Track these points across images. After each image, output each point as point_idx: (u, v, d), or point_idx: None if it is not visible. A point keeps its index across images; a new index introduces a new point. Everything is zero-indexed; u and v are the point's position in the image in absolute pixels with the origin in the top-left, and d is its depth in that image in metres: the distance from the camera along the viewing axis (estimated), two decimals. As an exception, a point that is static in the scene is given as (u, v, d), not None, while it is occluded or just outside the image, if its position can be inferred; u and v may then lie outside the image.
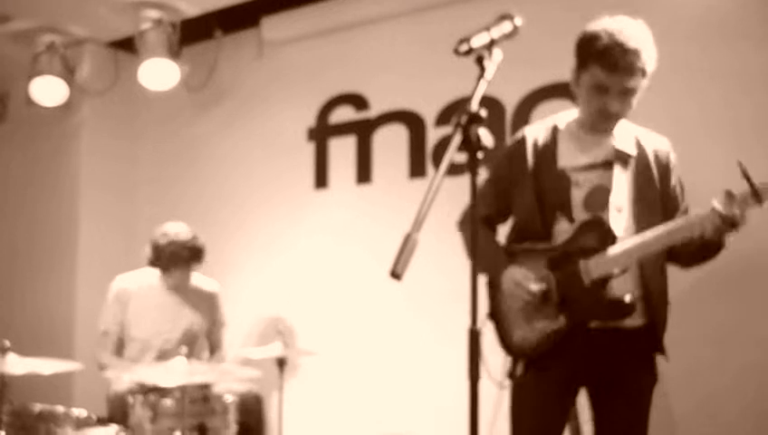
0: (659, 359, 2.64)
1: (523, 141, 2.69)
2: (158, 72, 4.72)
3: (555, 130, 2.68)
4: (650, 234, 2.43)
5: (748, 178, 2.30)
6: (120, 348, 3.99)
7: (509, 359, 2.67)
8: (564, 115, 2.71)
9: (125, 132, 5.38)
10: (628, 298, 2.44)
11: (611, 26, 2.45)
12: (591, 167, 2.59)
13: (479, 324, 1.70)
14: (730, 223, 2.32)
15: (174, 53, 4.70)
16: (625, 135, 2.63)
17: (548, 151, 2.64)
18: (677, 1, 3.62)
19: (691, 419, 3.42)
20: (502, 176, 2.71)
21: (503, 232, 2.82)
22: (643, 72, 2.47)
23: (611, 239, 2.47)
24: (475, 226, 1.85)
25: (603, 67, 2.44)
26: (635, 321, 2.53)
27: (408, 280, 3.92)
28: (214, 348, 4.21)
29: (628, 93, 2.50)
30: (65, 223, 5.20)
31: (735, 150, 3.31)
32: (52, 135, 5.31)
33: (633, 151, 2.60)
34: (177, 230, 3.89)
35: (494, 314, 2.69)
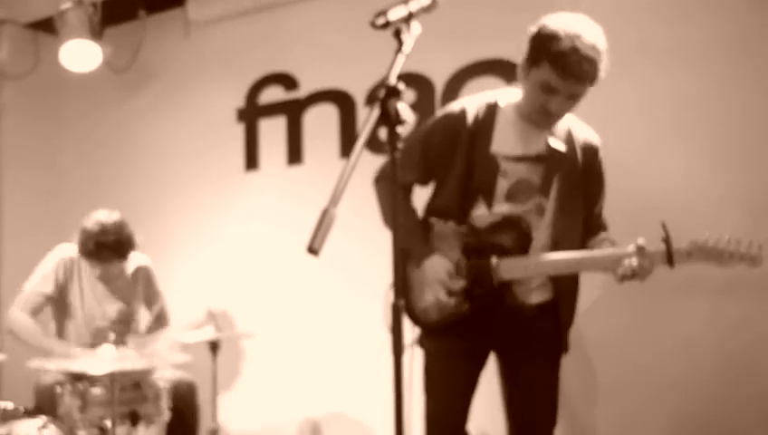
0: (575, 328, 2.71)
1: (462, 115, 2.65)
2: (81, 54, 4.60)
3: (495, 108, 2.65)
4: (564, 257, 2.51)
5: (667, 241, 2.38)
6: (39, 312, 3.85)
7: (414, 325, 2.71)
8: (506, 93, 2.68)
9: (48, 116, 5.24)
10: (528, 302, 2.58)
11: (572, 29, 2.40)
12: (522, 159, 2.60)
13: (385, 285, 1.71)
14: (638, 275, 2.40)
15: (96, 34, 4.57)
16: (557, 126, 2.63)
17: (484, 132, 2.62)
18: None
19: (613, 388, 3.49)
20: (435, 143, 2.67)
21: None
22: (592, 81, 2.46)
23: (527, 243, 2.55)
24: (396, 202, 1.83)
25: (557, 70, 2.40)
26: (542, 296, 2.61)
27: (339, 259, 3.92)
28: (159, 317, 4.13)
29: (573, 98, 2.49)
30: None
31: (688, 136, 3.42)
32: (-28, 120, 5.15)
33: (563, 147, 2.61)
34: (102, 220, 3.76)
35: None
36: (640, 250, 2.39)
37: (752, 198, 3.26)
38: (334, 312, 4.26)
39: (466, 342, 2.60)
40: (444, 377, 2.66)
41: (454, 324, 2.58)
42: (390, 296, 2.56)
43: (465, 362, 2.65)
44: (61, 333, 3.87)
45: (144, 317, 4.08)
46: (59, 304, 3.85)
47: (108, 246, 3.69)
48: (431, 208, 2.74)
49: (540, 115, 2.54)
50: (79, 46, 4.57)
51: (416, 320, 2.67)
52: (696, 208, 3.23)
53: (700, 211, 3.23)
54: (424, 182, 2.77)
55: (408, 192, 2.78)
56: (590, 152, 2.66)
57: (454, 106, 2.71)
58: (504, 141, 2.61)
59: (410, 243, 2.66)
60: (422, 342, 2.70)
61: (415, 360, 2.62)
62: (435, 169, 2.70)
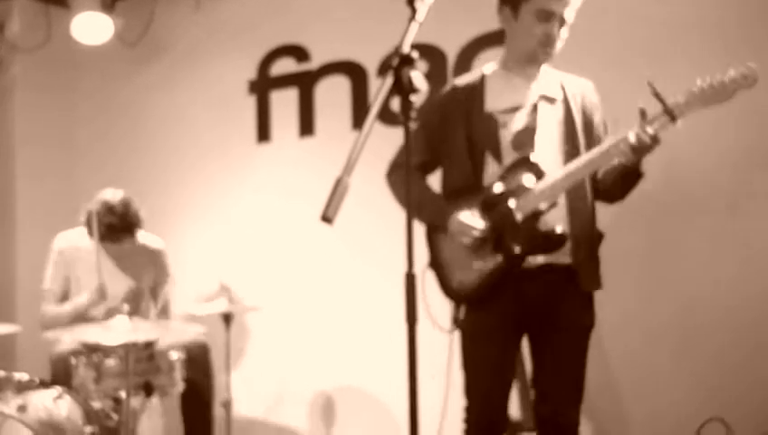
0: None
1: (453, 91, 2.76)
2: (92, 27, 4.61)
3: (483, 77, 2.74)
4: (573, 165, 2.51)
5: (659, 97, 2.37)
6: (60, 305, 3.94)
7: (453, 304, 2.71)
8: (490, 65, 2.78)
9: (60, 89, 5.21)
10: (559, 229, 2.52)
11: None
12: (517, 109, 2.64)
13: (418, 270, 1.70)
14: (646, 143, 2.39)
15: (107, 7, 4.59)
16: (549, 80, 2.70)
17: (476, 98, 2.69)
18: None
19: (625, 360, 3.49)
20: (433, 125, 2.74)
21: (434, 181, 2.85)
22: (573, 7, 2.59)
23: (538, 176, 2.54)
24: (409, 171, 1.83)
25: None
26: (565, 259, 2.58)
27: (353, 231, 3.93)
28: (161, 304, 4.16)
29: (563, 23, 2.60)
30: (1, 183, 5.06)
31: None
32: (-17, 94, 5.14)
33: (558, 95, 2.67)
34: (109, 198, 3.78)
35: (435, 262, 2.73)
36: (642, 113, 2.39)
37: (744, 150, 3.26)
38: (348, 284, 4.26)
39: (503, 310, 2.58)
40: (483, 355, 2.65)
41: (491, 293, 2.58)
42: (428, 276, 2.62)
43: (502, 338, 2.63)
44: None
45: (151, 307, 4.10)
46: (64, 293, 3.93)
47: (116, 226, 3.72)
48: (447, 187, 2.77)
49: (542, 47, 2.62)
50: (90, 19, 4.58)
51: (453, 294, 2.68)
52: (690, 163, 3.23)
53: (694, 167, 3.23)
54: (432, 164, 2.81)
55: (420, 174, 2.83)
56: (586, 98, 2.72)
57: (445, 87, 2.82)
58: (497, 98, 2.68)
59: (434, 214, 2.69)
60: (460, 321, 2.69)
61: (439, 347, 2.65)
62: (439, 148, 2.75)
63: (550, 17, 2.57)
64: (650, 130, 2.38)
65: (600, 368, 3.41)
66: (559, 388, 2.65)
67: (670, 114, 2.37)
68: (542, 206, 2.52)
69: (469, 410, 2.69)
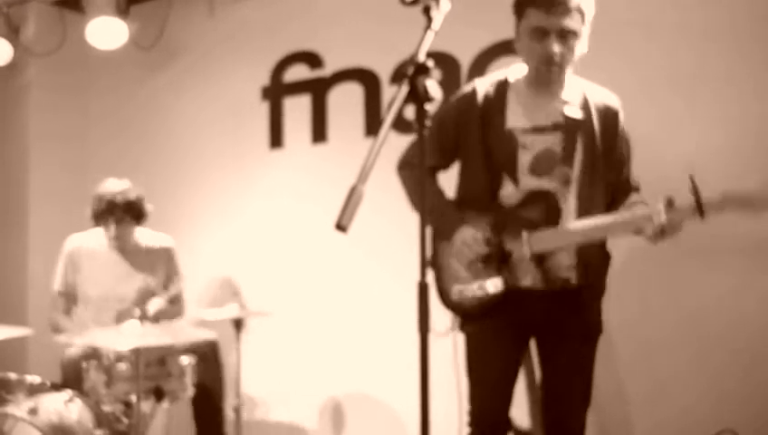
0: (604, 308, 2.69)
1: (473, 94, 2.67)
2: (107, 31, 4.64)
3: (506, 84, 2.66)
4: (593, 224, 2.48)
5: (696, 193, 2.32)
6: (71, 308, 3.95)
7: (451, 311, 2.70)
8: (515, 69, 2.69)
9: (74, 93, 5.25)
10: (563, 275, 2.53)
11: None
12: (539, 130, 2.58)
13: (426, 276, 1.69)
14: (667, 232, 2.36)
15: (122, 11, 4.62)
16: (572, 93, 2.62)
17: (497, 109, 2.62)
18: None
19: (635, 369, 3.47)
20: (449, 126, 2.69)
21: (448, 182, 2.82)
22: (580, 13, 2.48)
23: (556, 216, 2.52)
24: (423, 180, 1.82)
25: (539, 8, 2.45)
26: (574, 281, 2.57)
27: (365, 238, 3.92)
28: (174, 300, 4.17)
29: (567, 36, 2.48)
30: (14, 187, 5.09)
31: (700, 108, 3.37)
32: (-2, 97, 5.18)
33: (580, 114, 2.59)
34: (113, 184, 3.84)
35: (435, 265, 2.71)
36: (669, 203, 2.35)
37: (765, 165, 3.21)
38: (359, 290, 4.25)
39: (507, 321, 2.57)
40: (486, 361, 2.64)
41: (492, 308, 2.56)
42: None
43: (506, 343, 2.63)
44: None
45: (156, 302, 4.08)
46: (73, 295, 3.95)
47: (120, 206, 3.78)
48: (461, 195, 2.74)
49: (544, 66, 2.52)
50: (105, 24, 4.61)
51: (451, 304, 2.66)
52: (709, 179, 3.20)
53: (713, 182, 3.19)
54: (445, 165, 2.78)
55: (432, 176, 2.79)
56: (610, 115, 2.63)
57: (465, 87, 2.74)
58: (519, 115, 2.61)
59: (442, 221, 2.67)
60: (463, 325, 2.68)
61: (447, 347, 2.63)
62: (453, 152, 2.72)
63: (545, 35, 2.47)
64: (676, 219, 2.34)
65: (609, 375, 3.40)
66: (566, 393, 2.64)
67: (701, 211, 2.31)
68: (552, 249, 2.52)
69: (472, 414, 2.68)
